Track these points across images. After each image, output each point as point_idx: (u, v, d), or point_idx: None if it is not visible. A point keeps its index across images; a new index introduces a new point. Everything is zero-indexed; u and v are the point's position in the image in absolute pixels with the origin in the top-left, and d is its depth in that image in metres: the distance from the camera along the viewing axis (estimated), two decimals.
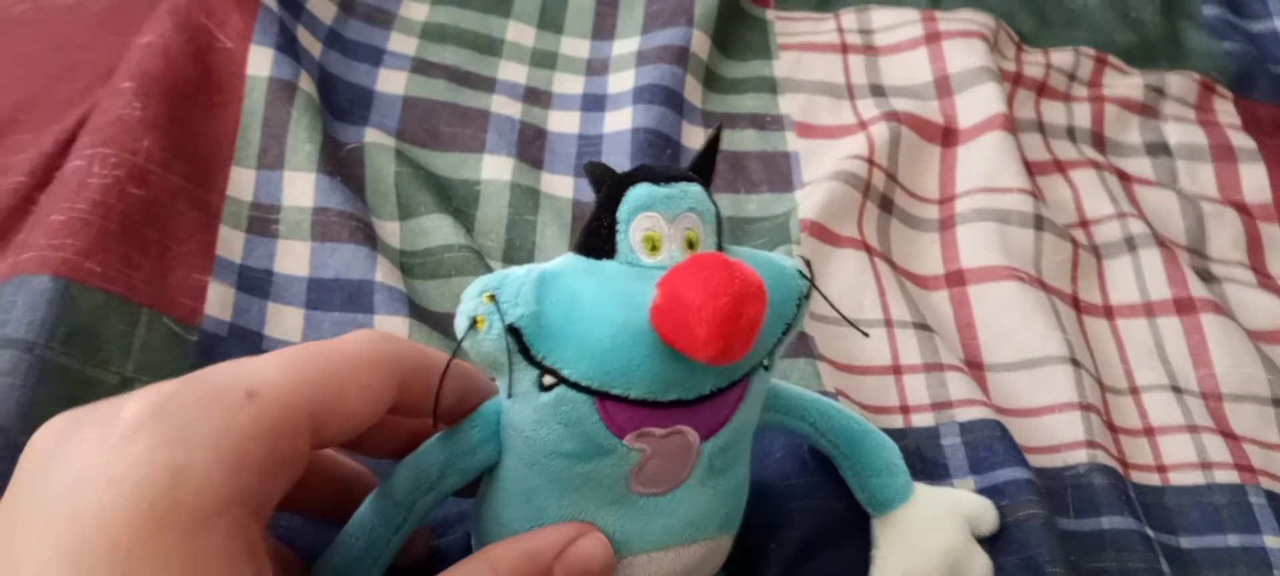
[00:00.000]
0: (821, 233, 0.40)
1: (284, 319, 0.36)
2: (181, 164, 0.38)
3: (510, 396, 0.24)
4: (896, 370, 0.37)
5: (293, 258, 0.38)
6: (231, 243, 0.37)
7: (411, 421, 0.27)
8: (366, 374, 0.23)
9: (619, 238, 0.24)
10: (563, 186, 0.44)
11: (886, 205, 0.43)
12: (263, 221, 0.38)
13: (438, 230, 0.39)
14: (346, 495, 0.28)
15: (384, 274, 0.37)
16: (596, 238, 0.24)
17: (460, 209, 0.41)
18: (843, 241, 0.41)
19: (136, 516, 0.19)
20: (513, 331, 0.22)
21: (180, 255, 0.36)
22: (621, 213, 0.24)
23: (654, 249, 0.23)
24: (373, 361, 0.23)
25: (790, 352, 0.36)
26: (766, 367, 0.25)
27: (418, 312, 0.36)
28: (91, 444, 0.20)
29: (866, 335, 0.32)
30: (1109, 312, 0.41)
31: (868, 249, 0.41)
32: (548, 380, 0.23)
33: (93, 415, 0.21)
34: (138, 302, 0.34)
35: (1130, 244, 0.42)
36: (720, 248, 0.25)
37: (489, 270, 0.38)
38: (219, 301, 0.36)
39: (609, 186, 0.24)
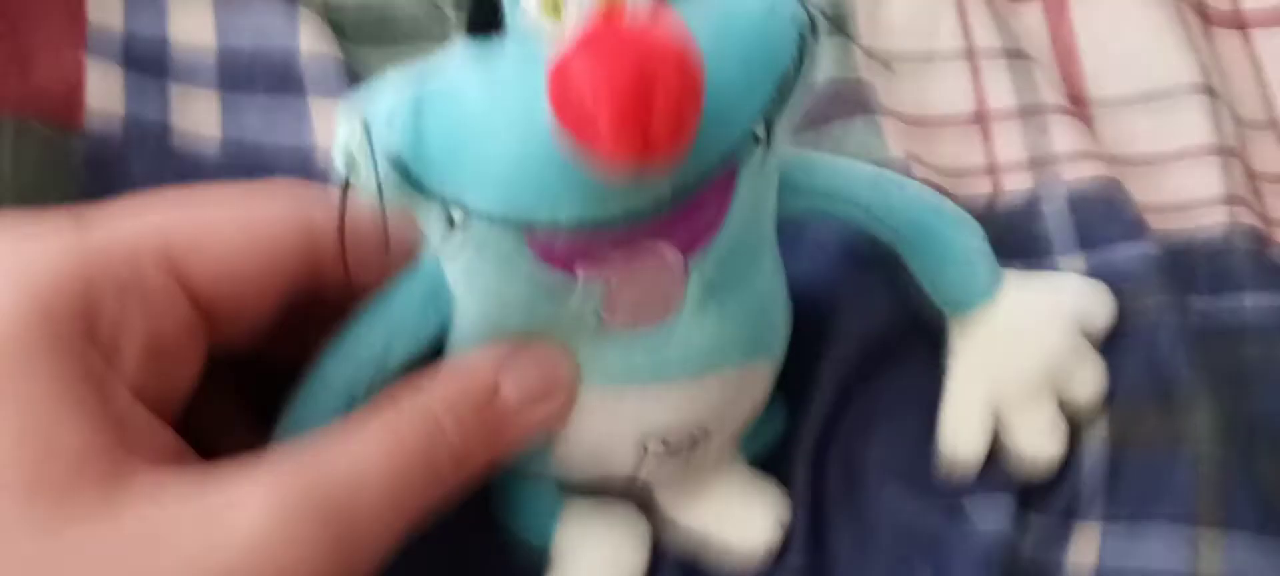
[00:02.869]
0: None
1: (194, 107, 0.30)
2: None
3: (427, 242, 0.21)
4: (981, 117, 0.31)
5: (192, 21, 0.31)
6: (106, 4, 0.30)
7: None
8: (252, 209, 0.22)
9: (505, 2, 0.19)
10: None
11: None
12: None
13: None
14: None
15: (310, 40, 0.30)
16: (481, 8, 0.19)
17: None
18: None
19: None
20: (394, 165, 0.19)
21: (40, 30, 0.29)
22: None
23: (558, 8, 0.19)
24: (264, 200, 0.22)
25: (843, 110, 0.30)
26: (759, 139, 0.21)
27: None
28: None
29: (891, 69, 0.28)
30: (1240, 22, 0.34)
31: None
32: (457, 217, 0.20)
33: None
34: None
35: None
36: None
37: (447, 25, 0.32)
38: (103, 91, 0.29)
39: None
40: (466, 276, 0.21)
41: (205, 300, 0.21)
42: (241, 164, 0.30)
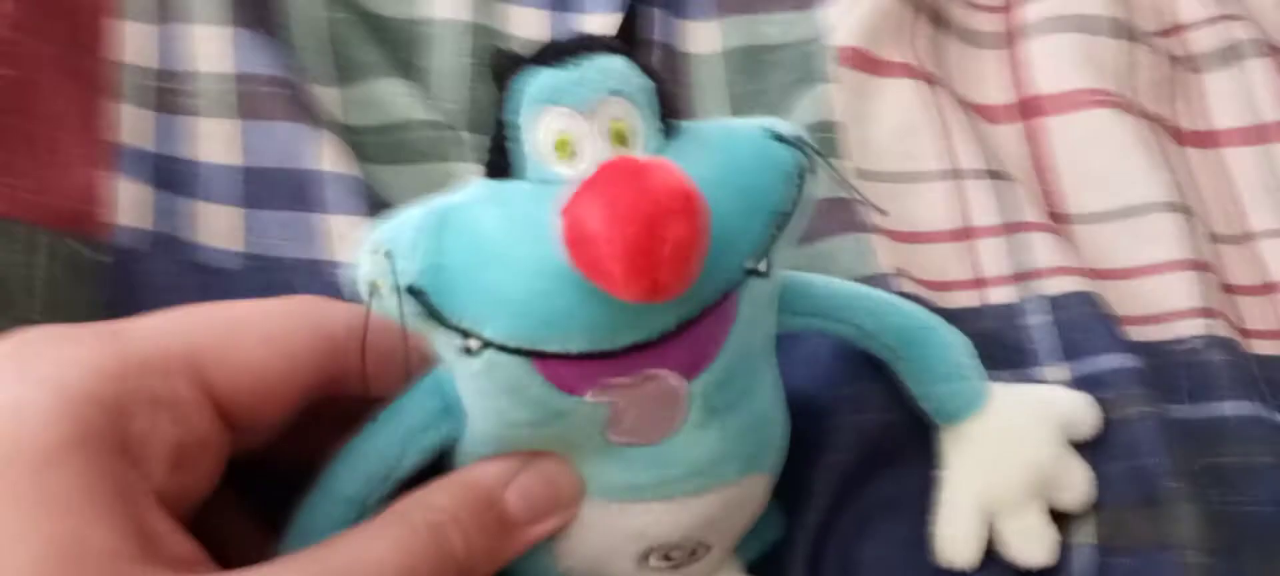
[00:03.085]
0: (862, 60, 0.34)
1: (217, 222, 0.30)
2: (56, 26, 0.30)
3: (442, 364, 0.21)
4: (968, 233, 0.31)
5: (218, 141, 0.31)
6: (138, 124, 0.31)
7: None
8: (274, 322, 0.22)
9: (523, 147, 0.20)
10: (533, 23, 0.36)
11: (940, 20, 0.36)
12: (173, 94, 0.32)
13: (391, 100, 0.33)
14: None
15: (332, 160, 0.31)
16: (500, 151, 0.20)
17: (407, 60, 0.34)
18: (890, 69, 0.34)
19: None
20: (413, 293, 0.19)
21: (73, 148, 0.29)
22: (522, 114, 0.20)
23: (572, 155, 0.20)
24: (285, 313, 0.22)
25: (835, 226, 0.30)
26: (758, 268, 0.21)
27: (381, 208, 0.30)
28: None
29: (884, 212, 0.29)
30: (1215, 140, 0.35)
31: (923, 76, 0.34)
32: (472, 343, 0.20)
33: None
34: (30, 222, 0.27)
35: (1233, 54, 0.36)
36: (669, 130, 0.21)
37: (460, 148, 0.32)
38: (133, 205, 0.29)
39: (501, 78, 0.20)
40: (478, 394, 0.21)
41: (228, 409, 0.21)
42: (262, 276, 0.30)
